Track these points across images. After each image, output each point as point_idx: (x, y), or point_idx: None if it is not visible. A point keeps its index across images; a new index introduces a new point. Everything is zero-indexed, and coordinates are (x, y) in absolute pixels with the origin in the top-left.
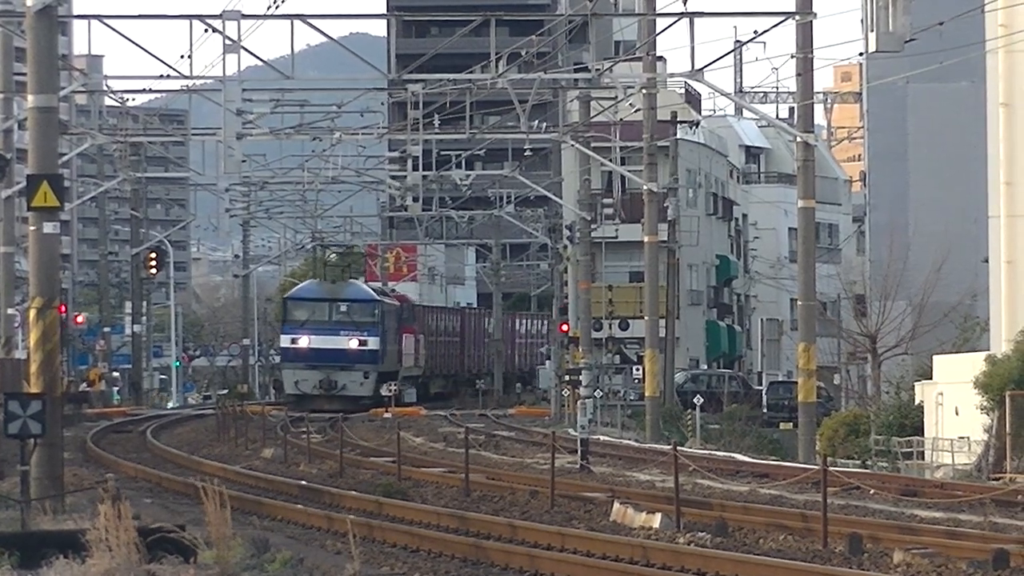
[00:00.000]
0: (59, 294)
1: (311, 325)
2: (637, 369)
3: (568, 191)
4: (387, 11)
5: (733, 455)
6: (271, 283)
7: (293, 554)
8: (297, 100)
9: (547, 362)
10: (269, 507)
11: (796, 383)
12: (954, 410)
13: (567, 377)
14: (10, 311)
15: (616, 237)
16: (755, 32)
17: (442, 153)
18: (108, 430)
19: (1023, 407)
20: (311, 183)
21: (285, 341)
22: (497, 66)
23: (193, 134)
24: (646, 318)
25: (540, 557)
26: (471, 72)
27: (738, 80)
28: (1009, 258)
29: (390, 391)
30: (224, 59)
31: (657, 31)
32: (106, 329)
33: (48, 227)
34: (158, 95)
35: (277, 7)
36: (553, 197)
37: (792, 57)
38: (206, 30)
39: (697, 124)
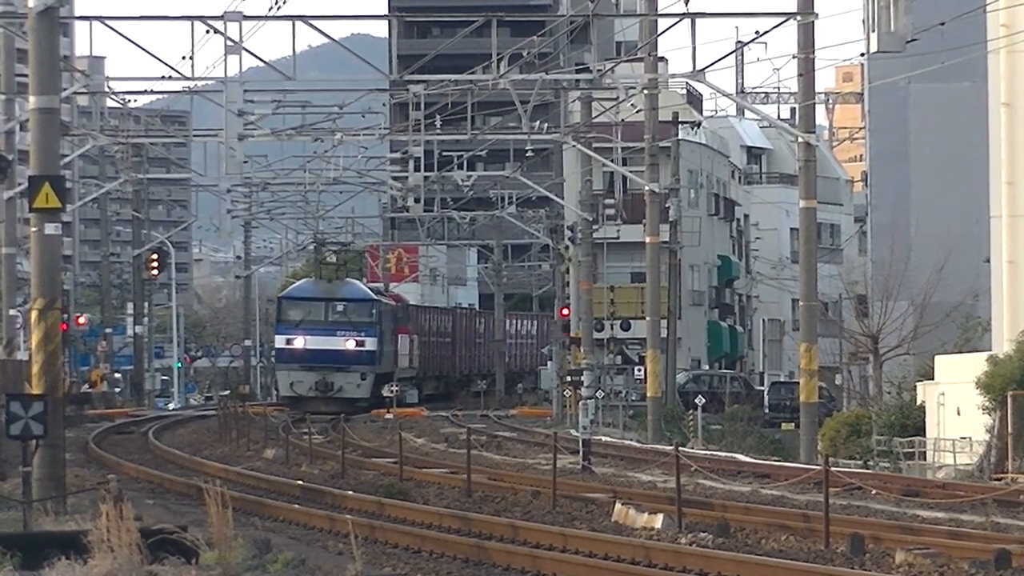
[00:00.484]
0: (61, 295)
1: (307, 325)
2: (639, 369)
3: (569, 192)
4: (388, 12)
5: (735, 455)
6: (273, 284)
7: (295, 555)
8: (299, 101)
9: (548, 363)
10: (271, 508)
11: (798, 383)
12: (956, 410)
13: (569, 378)
14: (12, 312)
15: (618, 238)
16: (756, 32)
17: (444, 154)
18: (110, 431)
19: None
20: (313, 184)
21: (280, 342)
22: (498, 67)
23: (195, 135)
24: (648, 318)
25: (542, 558)
26: (472, 73)
27: (740, 80)
28: (1011, 258)
29: (391, 392)
30: (226, 60)
31: (658, 32)
32: (108, 330)
33: (50, 228)
34: (160, 96)
35: (279, 8)
36: (554, 198)
37: (793, 57)
38: (208, 31)
39: (699, 125)
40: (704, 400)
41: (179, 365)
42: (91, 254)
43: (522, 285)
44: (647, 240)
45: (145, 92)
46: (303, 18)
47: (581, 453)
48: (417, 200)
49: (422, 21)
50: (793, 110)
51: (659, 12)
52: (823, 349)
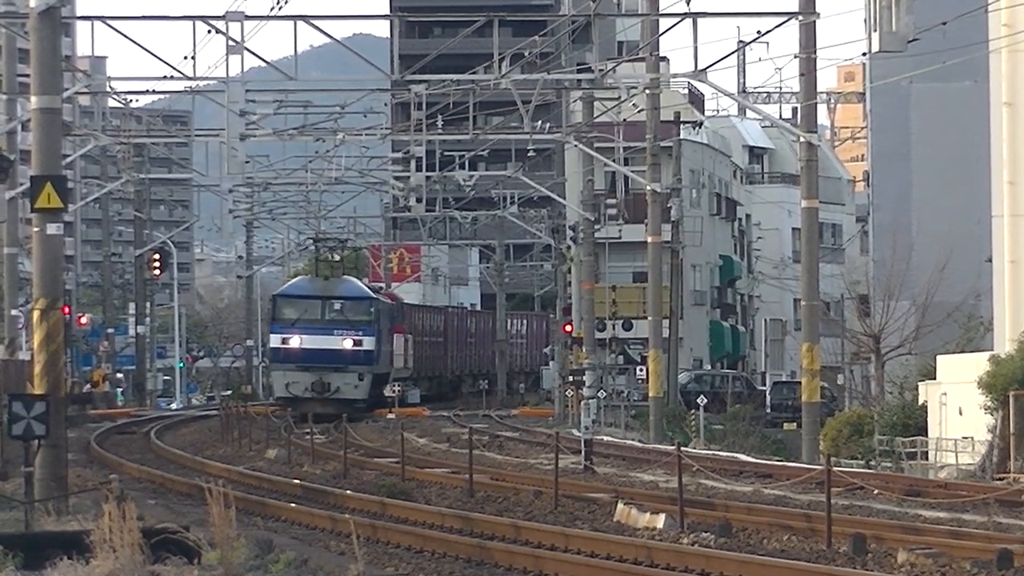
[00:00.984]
0: (63, 295)
1: (303, 324)
2: (641, 369)
3: (571, 191)
4: (390, 12)
5: (737, 455)
6: (274, 284)
7: (297, 555)
8: (300, 101)
9: (550, 362)
10: (273, 508)
11: (800, 383)
12: (958, 410)
13: (571, 378)
14: (14, 312)
15: (619, 237)
16: (758, 32)
17: (445, 154)
18: (112, 431)
19: None
20: (314, 184)
21: (275, 341)
22: (500, 67)
23: (196, 135)
24: (649, 318)
25: (544, 558)
26: (474, 73)
27: (741, 80)
28: (1013, 258)
29: (393, 392)
30: (227, 60)
31: (660, 31)
32: (110, 330)
33: (52, 228)
34: (161, 96)
35: (280, 8)
36: (556, 198)
37: (795, 57)
38: (209, 31)
39: (700, 124)
40: (706, 400)
41: (181, 365)
42: (93, 254)
43: (524, 285)
44: (649, 240)
45: (147, 92)
46: (305, 18)
47: (583, 453)
48: (419, 200)
49: (424, 21)
50: (795, 110)
51: (661, 12)
52: (825, 349)
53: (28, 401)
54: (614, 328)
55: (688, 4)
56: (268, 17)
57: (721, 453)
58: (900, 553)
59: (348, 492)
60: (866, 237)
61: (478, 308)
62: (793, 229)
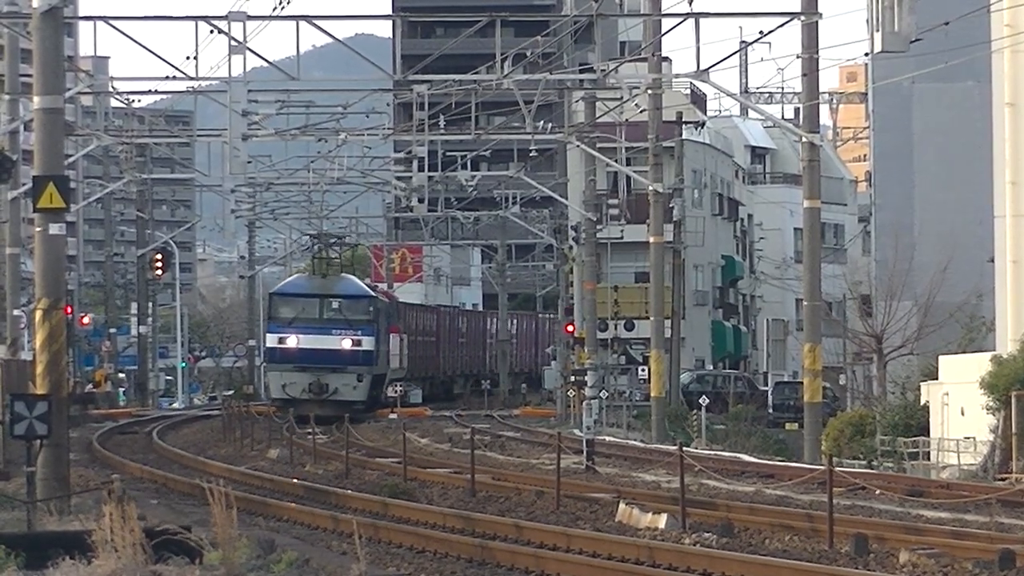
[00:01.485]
0: (65, 295)
1: (300, 323)
2: (642, 369)
3: (573, 192)
4: (392, 12)
5: (739, 455)
6: (276, 284)
7: (299, 555)
8: (303, 101)
9: (552, 362)
10: (275, 508)
11: (802, 383)
12: (960, 410)
13: (573, 378)
14: (16, 312)
15: (621, 238)
16: (760, 32)
17: (447, 154)
18: (114, 431)
19: None
20: (316, 184)
21: (271, 340)
22: (502, 67)
23: (199, 135)
24: (651, 318)
25: (546, 558)
26: (476, 73)
27: (743, 80)
28: (1015, 258)
29: (395, 392)
30: (230, 60)
31: (662, 31)
32: (112, 330)
33: (54, 228)
34: (164, 96)
35: (282, 8)
36: (558, 198)
37: (797, 57)
38: (212, 31)
39: (702, 124)
40: (708, 400)
41: (183, 365)
42: (95, 254)
43: (526, 285)
44: (651, 240)
45: (149, 92)
46: (307, 18)
47: (585, 453)
48: (421, 200)
49: (426, 21)
50: (797, 110)
51: (663, 12)
52: (827, 349)
53: (30, 401)
54: (616, 328)
55: (690, 4)
56: (270, 17)
57: (723, 453)
58: (902, 553)
59: (350, 492)
60: (868, 237)
61: (480, 308)
62: (795, 229)
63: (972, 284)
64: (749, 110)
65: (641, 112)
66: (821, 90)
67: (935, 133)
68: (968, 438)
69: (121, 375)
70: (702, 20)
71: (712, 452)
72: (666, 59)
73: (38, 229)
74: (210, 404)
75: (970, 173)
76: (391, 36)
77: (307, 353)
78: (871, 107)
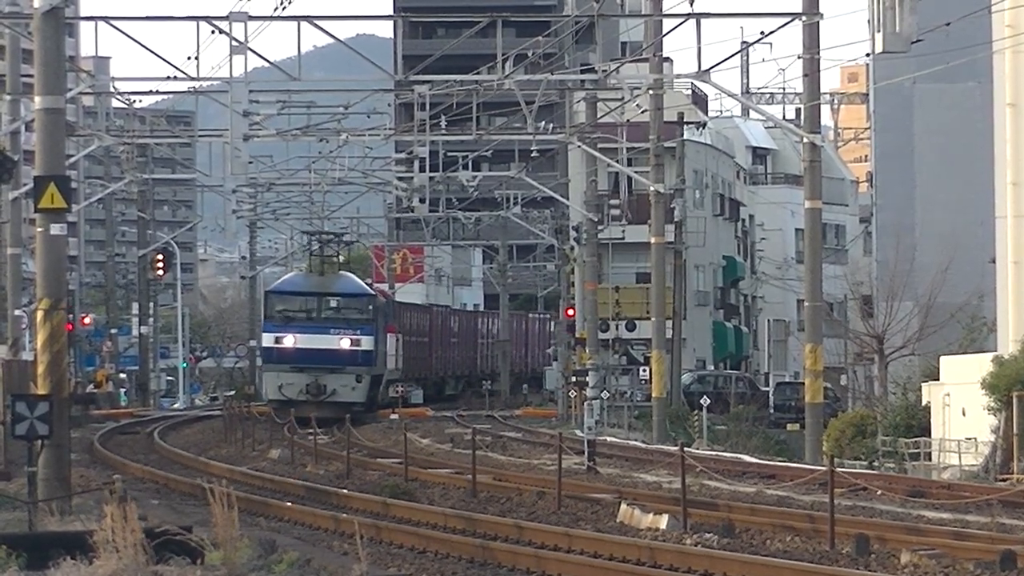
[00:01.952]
0: (66, 295)
1: (297, 322)
2: (644, 370)
3: (575, 192)
4: (394, 12)
5: (740, 456)
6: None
7: (300, 555)
8: (304, 101)
9: (553, 363)
10: (276, 508)
11: (803, 384)
12: (961, 411)
13: (574, 378)
14: (17, 312)
15: (623, 238)
16: (762, 33)
17: (449, 154)
18: (115, 431)
19: None
20: (318, 184)
21: (267, 340)
22: (504, 67)
23: (200, 135)
24: (653, 319)
25: (547, 558)
26: (478, 73)
27: (745, 81)
28: (1016, 258)
29: (397, 392)
30: (231, 60)
31: (663, 32)
32: (113, 330)
33: (55, 228)
34: (165, 96)
35: (284, 8)
36: (560, 198)
37: (799, 58)
38: (213, 32)
39: (704, 125)
40: (709, 400)
41: (184, 365)
42: (96, 254)
43: (527, 285)
44: (652, 240)
45: (150, 92)
46: (308, 18)
47: (586, 454)
48: (422, 200)
49: (427, 21)
50: (798, 110)
51: (664, 12)
52: (828, 350)
53: (32, 401)
54: (617, 329)
55: (691, 5)
56: (271, 17)
57: (724, 454)
58: (903, 554)
59: (351, 492)
60: (869, 238)
61: (481, 308)
62: (796, 230)
63: (973, 285)
64: (750, 111)
65: (642, 112)
66: (822, 91)
67: (936, 134)
68: (969, 439)
69: (122, 375)
70: (703, 20)
71: (713, 453)
72: (667, 59)
73: (39, 229)
74: (211, 405)
75: (971, 174)
76: (392, 36)
77: (304, 353)
78: (872, 108)
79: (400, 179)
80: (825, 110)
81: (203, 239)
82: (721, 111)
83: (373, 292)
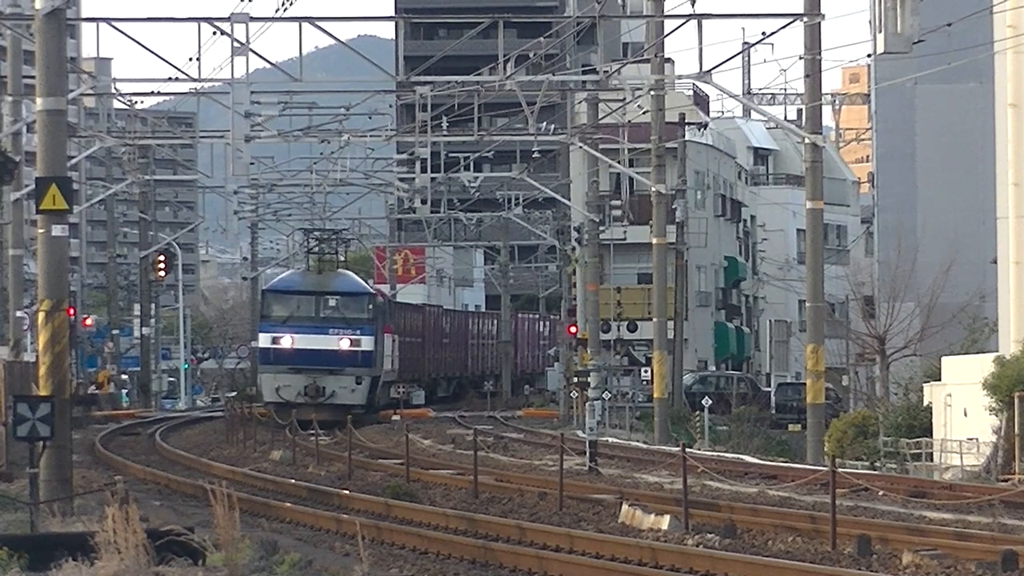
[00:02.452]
0: (68, 296)
1: (294, 322)
2: (645, 371)
3: (576, 193)
4: (395, 13)
5: (742, 457)
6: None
7: (302, 556)
8: (305, 102)
9: (555, 363)
10: (278, 509)
11: (804, 384)
12: (963, 411)
13: (575, 379)
14: (19, 313)
15: (624, 239)
16: (763, 34)
17: (450, 155)
18: (116, 432)
19: None
20: (319, 185)
21: (264, 340)
22: (505, 68)
23: (201, 137)
24: (654, 320)
25: (549, 559)
26: (479, 74)
27: (746, 82)
28: (1017, 259)
29: (398, 393)
30: (232, 61)
31: (665, 33)
32: (115, 331)
33: (57, 230)
34: (166, 98)
35: (285, 10)
36: (561, 199)
37: (800, 59)
38: (214, 33)
39: (705, 126)
40: (711, 401)
41: (186, 366)
42: (98, 255)
43: (529, 286)
44: (654, 241)
45: (152, 94)
46: (310, 20)
47: (588, 454)
48: (424, 201)
49: (429, 22)
50: (800, 111)
51: (666, 13)
52: (830, 350)
53: (33, 402)
54: (619, 329)
55: (693, 6)
56: (273, 19)
57: (726, 454)
58: (905, 554)
59: (353, 493)
60: (871, 238)
61: (483, 309)
62: (798, 230)
63: (975, 285)
64: (752, 111)
65: (644, 113)
66: (824, 91)
67: (938, 134)
68: (971, 439)
69: (124, 377)
70: (705, 21)
71: (715, 453)
72: (669, 60)
73: (41, 231)
74: (213, 406)
75: (973, 174)
76: (394, 37)
77: (302, 354)
78: (874, 108)
79: (401, 180)
80: (826, 111)
81: (205, 240)
82: (723, 112)
83: (373, 291)
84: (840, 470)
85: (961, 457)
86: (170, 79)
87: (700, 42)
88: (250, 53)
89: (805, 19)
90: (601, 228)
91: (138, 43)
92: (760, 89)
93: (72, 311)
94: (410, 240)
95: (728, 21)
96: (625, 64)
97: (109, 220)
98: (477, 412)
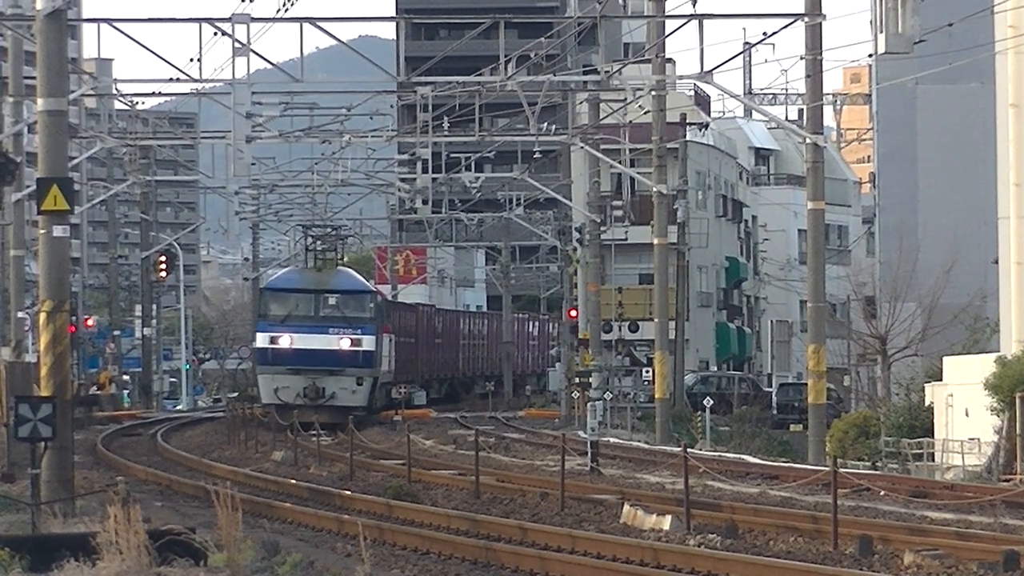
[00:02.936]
0: (69, 297)
1: (293, 321)
2: (647, 371)
3: (577, 193)
4: (396, 14)
5: (743, 457)
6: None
7: (303, 557)
8: (306, 103)
9: (556, 364)
10: (279, 510)
11: (806, 385)
12: (964, 411)
13: (577, 379)
14: (20, 314)
15: (626, 239)
16: (764, 34)
17: (451, 155)
18: (118, 433)
19: None
20: (320, 186)
21: (262, 340)
22: (506, 68)
23: (202, 137)
24: (656, 320)
25: (550, 559)
26: (480, 74)
27: (747, 82)
28: (1019, 259)
29: (400, 394)
30: (233, 62)
31: (666, 33)
32: (116, 332)
33: (58, 230)
34: (167, 98)
35: (286, 10)
36: (562, 199)
37: (801, 59)
38: (215, 33)
39: (706, 126)
40: (712, 401)
41: (187, 367)
42: (99, 256)
43: (530, 287)
44: (655, 242)
45: (153, 94)
46: (311, 20)
47: (589, 455)
48: (425, 202)
49: (430, 23)
50: (801, 111)
51: (667, 14)
52: (831, 350)
53: (35, 403)
54: (620, 330)
55: (694, 6)
56: (274, 19)
57: (727, 455)
58: (906, 555)
59: (354, 494)
60: (872, 239)
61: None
62: (799, 231)
63: (976, 285)
64: (753, 111)
65: (645, 114)
66: (825, 91)
67: (939, 134)
68: (972, 439)
69: (125, 377)
70: (706, 21)
71: (716, 453)
72: (670, 60)
73: (42, 231)
74: (214, 406)
75: (974, 174)
76: (395, 38)
77: (302, 354)
78: (875, 108)
79: (403, 180)
80: (828, 111)
81: (206, 241)
82: (724, 112)
83: (374, 289)
84: (842, 470)
85: (963, 457)
86: (171, 80)
87: (701, 42)
88: (251, 54)
89: (806, 19)
90: (602, 228)
91: (139, 44)
92: (761, 89)
93: (74, 311)
94: (411, 241)
95: (729, 21)
96: (626, 64)
97: (110, 221)
98: (479, 412)
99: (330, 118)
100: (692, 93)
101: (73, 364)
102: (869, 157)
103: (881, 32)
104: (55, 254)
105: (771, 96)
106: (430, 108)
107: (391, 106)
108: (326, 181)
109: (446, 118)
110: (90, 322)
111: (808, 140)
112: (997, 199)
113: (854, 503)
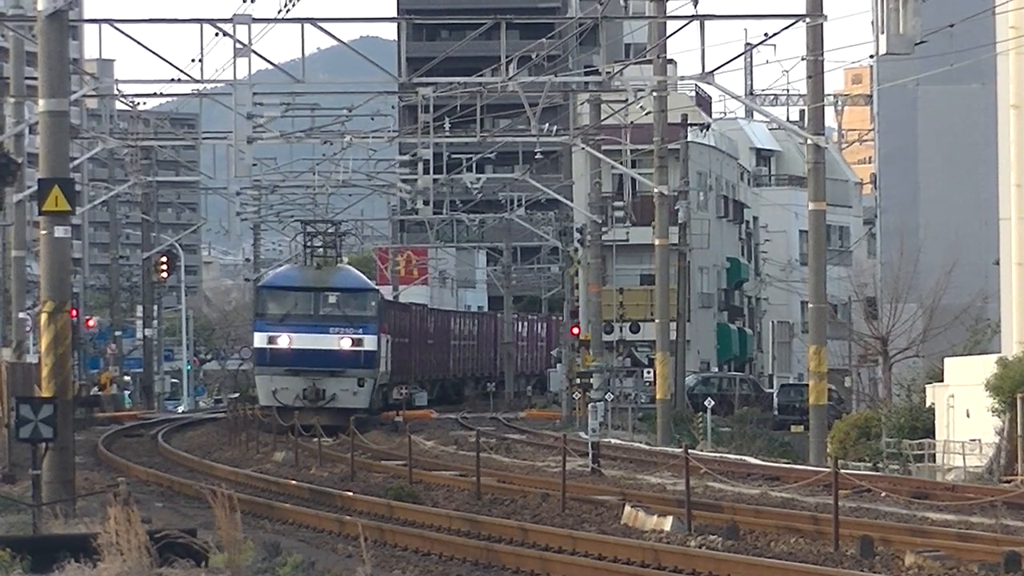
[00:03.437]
0: (70, 298)
1: (292, 320)
2: (648, 372)
3: (579, 194)
4: (398, 14)
5: (744, 458)
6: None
7: (304, 558)
8: (308, 103)
9: (557, 365)
10: (280, 511)
11: (807, 386)
12: (965, 412)
13: (578, 380)
14: (21, 315)
15: (627, 240)
16: (765, 35)
17: (453, 156)
18: (119, 434)
19: None
20: (322, 187)
21: (260, 340)
22: (507, 69)
23: (204, 138)
24: (657, 321)
25: (551, 560)
26: (481, 75)
27: (748, 83)
28: (1020, 260)
29: (401, 395)
30: (235, 63)
31: (667, 34)
32: (117, 333)
33: (59, 231)
34: (169, 99)
35: (288, 11)
36: (564, 200)
37: (802, 59)
38: (217, 34)
39: (708, 127)
40: (713, 402)
41: (188, 368)
42: (100, 257)
43: (531, 287)
44: (656, 242)
45: (154, 95)
46: (312, 21)
47: (590, 456)
48: (426, 202)
49: (431, 24)
50: (802, 112)
51: (668, 14)
52: (832, 351)
53: (36, 404)
54: (621, 331)
55: (695, 7)
56: (275, 20)
57: (728, 455)
58: (907, 555)
59: (355, 495)
60: (873, 239)
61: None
62: (800, 231)
63: (977, 286)
64: (754, 112)
65: (646, 114)
66: (826, 92)
67: (940, 135)
68: (973, 440)
69: (126, 378)
70: (707, 22)
71: (717, 454)
72: (671, 61)
73: (43, 232)
74: (215, 407)
75: (975, 175)
76: (396, 39)
77: (301, 354)
78: (876, 109)
79: (404, 181)
80: (829, 112)
81: (207, 241)
82: (725, 113)
83: (375, 287)
84: (843, 471)
85: (964, 458)
86: (172, 80)
87: (702, 43)
88: (252, 54)
89: (807, 20)
90: (603, 229)
91: (140, 44)
92: (762, 90)
93: (74, 312)
94: (412, 241)
95: (730, 22)
96: (627, 65)
97: (111, 221)
98: (479, 413)
99: (331, 119)
100: (693, 94)
101: (74, 365)
102: (870, 158)
103: (882, 33)
104: (56, 255)
105: (772, 97)
106: (431, 109)
107: (392, 107)
108: (327, 182)
109: (447, 119)
110: (91, 323)
111: (809, 141)
112: (998, 200)
113: (855, 504)
